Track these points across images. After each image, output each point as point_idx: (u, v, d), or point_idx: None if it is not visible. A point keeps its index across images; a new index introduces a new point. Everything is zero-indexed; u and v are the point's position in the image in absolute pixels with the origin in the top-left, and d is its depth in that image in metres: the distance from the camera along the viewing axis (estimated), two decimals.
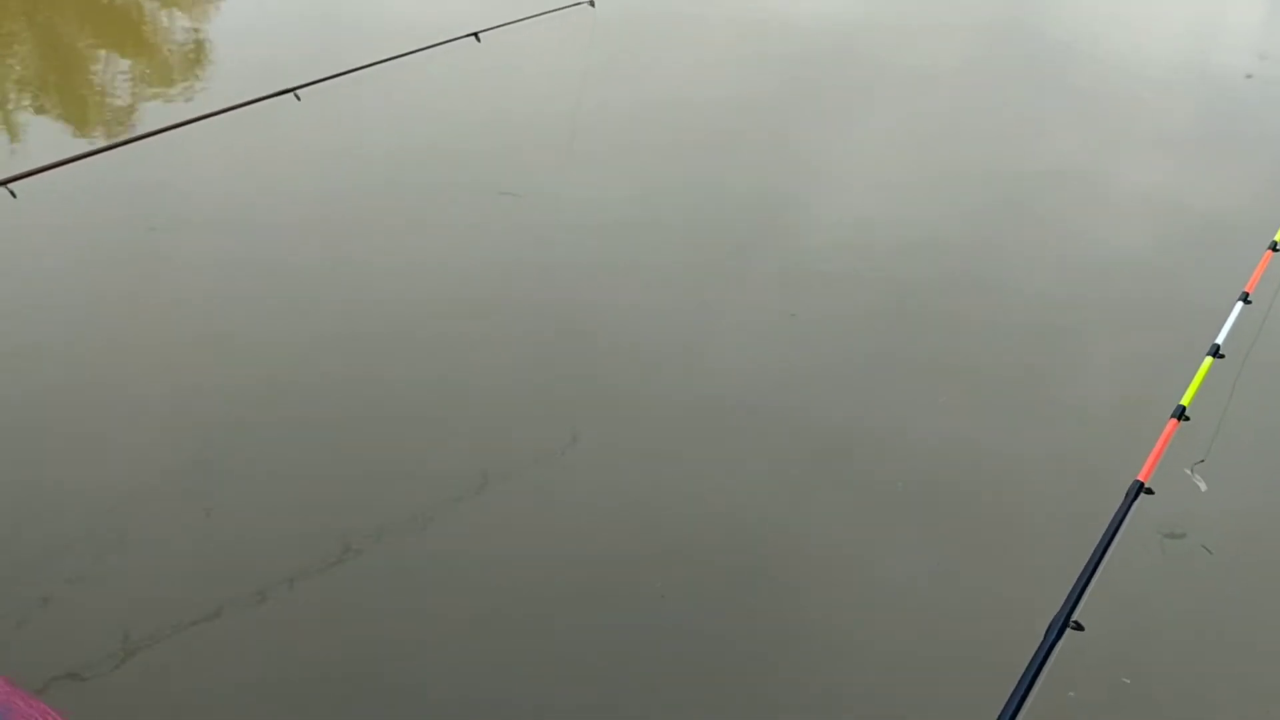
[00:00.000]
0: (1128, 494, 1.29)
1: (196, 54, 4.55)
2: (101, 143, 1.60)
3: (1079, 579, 1.14)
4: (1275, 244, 2.00)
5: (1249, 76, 5.30)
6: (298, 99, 1.80)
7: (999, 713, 0.99)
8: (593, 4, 2.47)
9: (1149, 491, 1.30)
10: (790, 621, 1.94)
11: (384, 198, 3.28)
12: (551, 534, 2.08)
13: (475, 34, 2.16)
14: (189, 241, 2.94)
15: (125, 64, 4.53)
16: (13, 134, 3.73)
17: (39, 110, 3.96)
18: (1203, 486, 1.97)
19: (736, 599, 1.98)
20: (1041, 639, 1.06)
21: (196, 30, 4.87)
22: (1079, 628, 1.09)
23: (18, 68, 4.25)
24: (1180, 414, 1.46)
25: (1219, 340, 1.63)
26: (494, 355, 2.61)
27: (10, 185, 1.44)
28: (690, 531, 2.12)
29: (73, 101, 4.11)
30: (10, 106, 3.98)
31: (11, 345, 2.40)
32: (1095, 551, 1.19)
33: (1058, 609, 1.09)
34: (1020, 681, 1.01)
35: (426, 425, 2.37)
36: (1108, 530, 1.22)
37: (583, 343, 2.73)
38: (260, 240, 2.98)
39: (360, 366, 2.53)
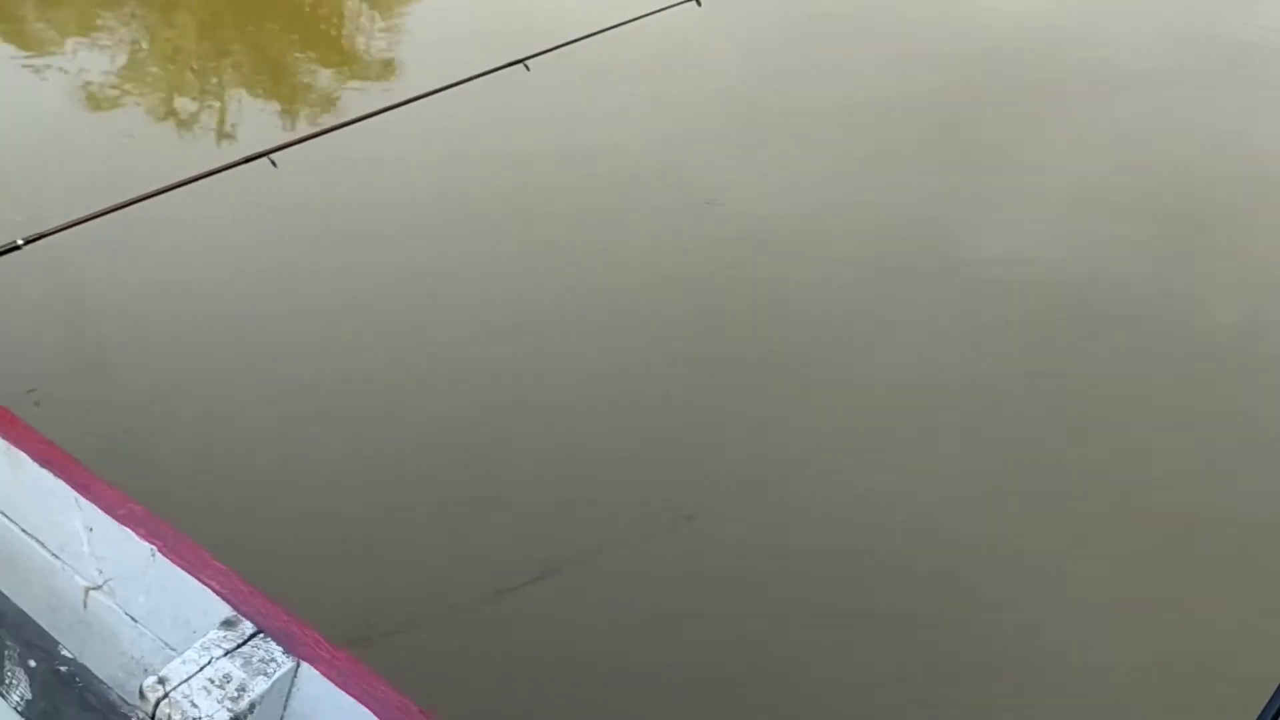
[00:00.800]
0: None
1: (426, 31, 4.82)
2: (350, 116, 1.69)
3: None
4: None
5: None
6: (527, 69, 1.87)
7: None
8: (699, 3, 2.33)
9: None
10: None
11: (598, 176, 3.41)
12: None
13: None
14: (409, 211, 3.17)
15: (362, 37, 4.87)
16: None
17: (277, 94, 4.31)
18: None
19: None
20: None
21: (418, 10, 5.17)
22: None
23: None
24: None
25: None
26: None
27: (272, 155, 1.56)
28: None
29: (309, 82, 4.44)
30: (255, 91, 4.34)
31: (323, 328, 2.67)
32: None
33: None
34: None
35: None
36: None
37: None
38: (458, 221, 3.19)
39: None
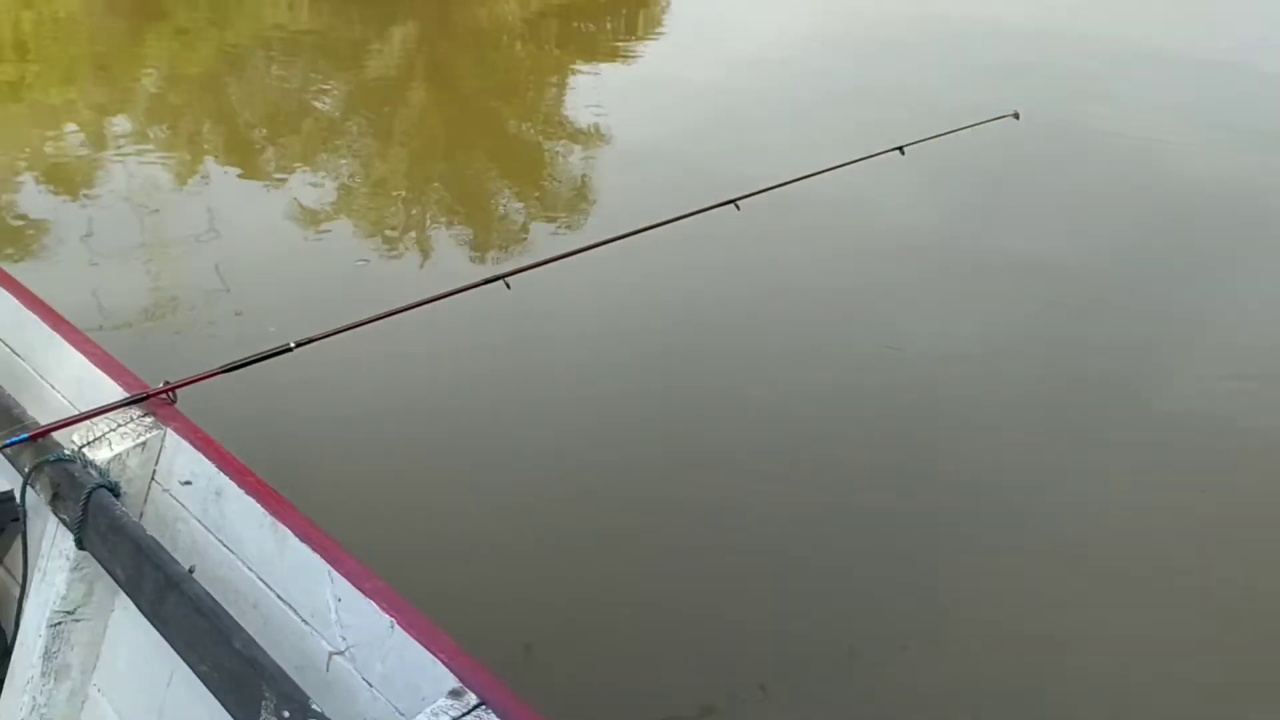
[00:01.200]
0: None
1: (635, 169, 5.10)
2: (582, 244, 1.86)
3: None
4: None
5: None
6: (737, 209, 2.01)
7: None
8: (1017, 116, 2.49)
9: None
10: None
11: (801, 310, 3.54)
12: None
13: (900, 148, 2.30)
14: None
15: (568, 178, 5.18)
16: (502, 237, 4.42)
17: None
18: None
19: None
20: None
21: (631, 146, 5.46)
22: None
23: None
24: None
25: None
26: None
27: (507, 279, 1.73)
28: None
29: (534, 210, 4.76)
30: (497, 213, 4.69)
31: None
32: None
33: None
34: None
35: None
36: None
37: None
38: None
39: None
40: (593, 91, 6.67)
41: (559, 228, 4.71)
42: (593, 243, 1.86)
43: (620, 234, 1.92)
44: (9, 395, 1.53)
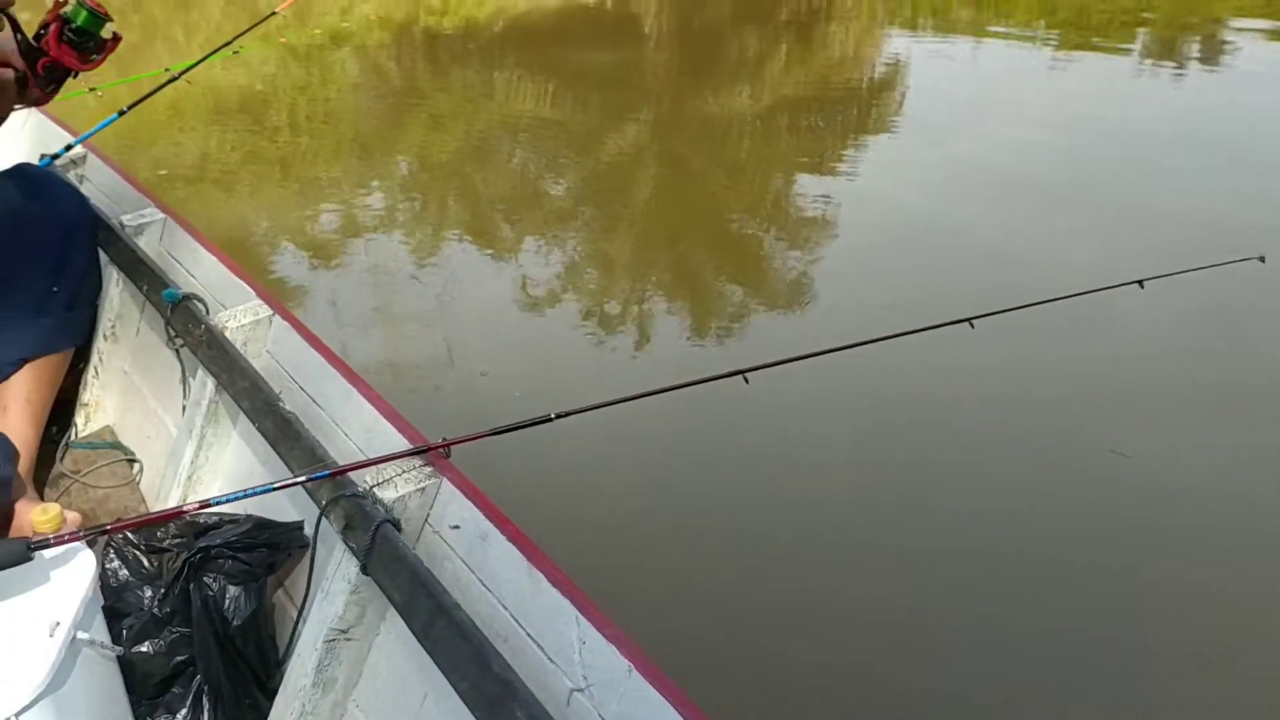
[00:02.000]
0: None
1: (863, 270, 5.20)
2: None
3: None
4: None
5: None
6: (971, 327, 2.09)
7: None
8: (1263, 259, 2.46)
9: None
10: None
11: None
12: None
13: (1139, 281, 2.32)
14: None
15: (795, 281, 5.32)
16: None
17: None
18: None
19: None
20: None
21: (859, 245, 5.57)
22: None
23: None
24: None
25: None
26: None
27: (746, 374, 1.87)
28: None
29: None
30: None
31: None
32: None
33: None
34: None
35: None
36: None
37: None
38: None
39: None
40: (821, 186, 6.83)
41: (785, 323, 4.86)
42: (828, 348, 1.98)
43: (854, 342, 2.02)
44: (313, 437, 1.76)
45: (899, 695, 2.67)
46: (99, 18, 1.97)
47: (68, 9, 1.95)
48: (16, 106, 2.11)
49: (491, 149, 8.09)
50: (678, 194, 7.07)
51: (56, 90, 2.04)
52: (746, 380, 1.87)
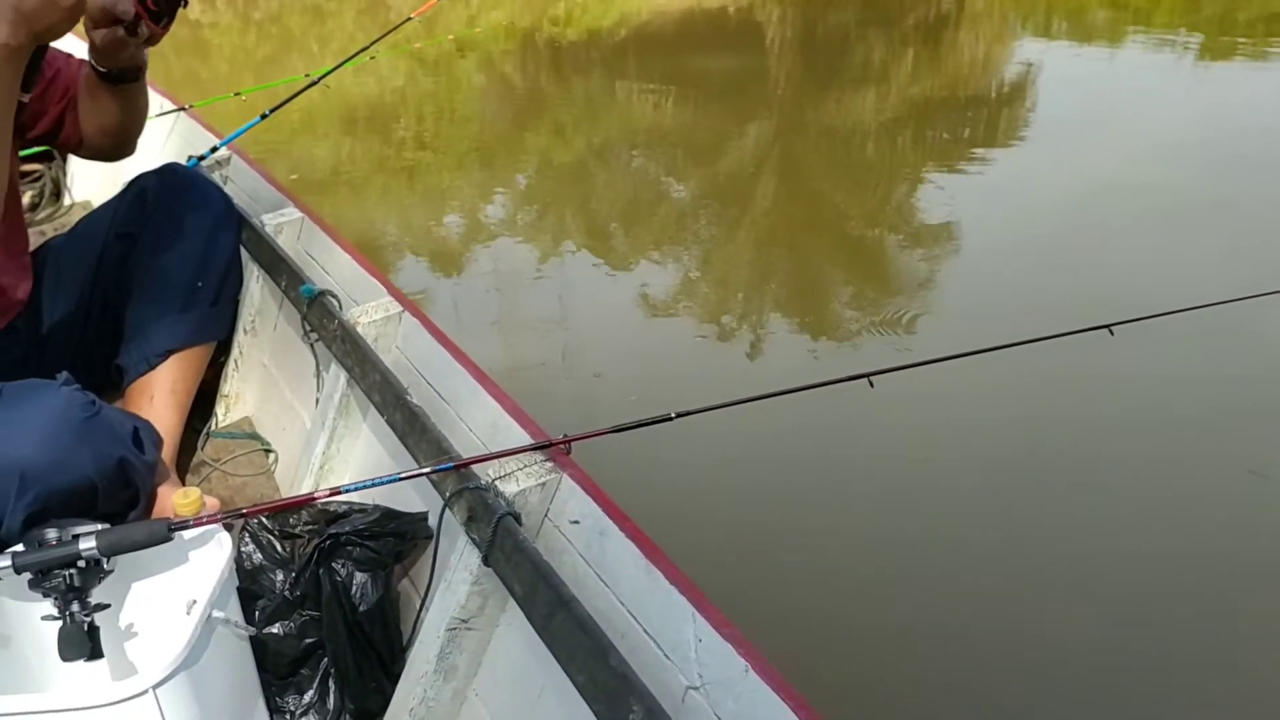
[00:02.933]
0: None
1: (990, 275, 5.07)
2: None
3: None
4: None
5: None
6: (1111, 334, 2.02)
7: None
8: None
9: None
10: None
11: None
12: None
13: None
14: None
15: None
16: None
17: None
18: None
19: None
20: None
21: (986, 251, 5.42)
22: None
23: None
24: None
25: None
26: None
27: (871, 378, 1.84)
28: None
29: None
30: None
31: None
32: None
33: None
34: None
35: None
36: None
37: None
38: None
39: None
40: (946, 194, 6.68)
41: (908, 329, 4.77)
42: (957, 353, 1.94)
43: (984, 348, 1.98)
44: (439, 430, 1.80)
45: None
46: None
47: None
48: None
49: (611, 156, 8.17)
50: (798, 202, 7.02)
51: (170, 23, 1.99)
52: (872, 384, 1.85)
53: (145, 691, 1.37)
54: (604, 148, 8.35)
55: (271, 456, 2.62)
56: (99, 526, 1.51)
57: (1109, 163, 6.83)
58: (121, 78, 2.18)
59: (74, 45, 2.28)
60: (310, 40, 12.17)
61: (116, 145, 2.36)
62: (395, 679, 1.81)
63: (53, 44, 2.18)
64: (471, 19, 12.70)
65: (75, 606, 1.49)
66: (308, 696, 1.76)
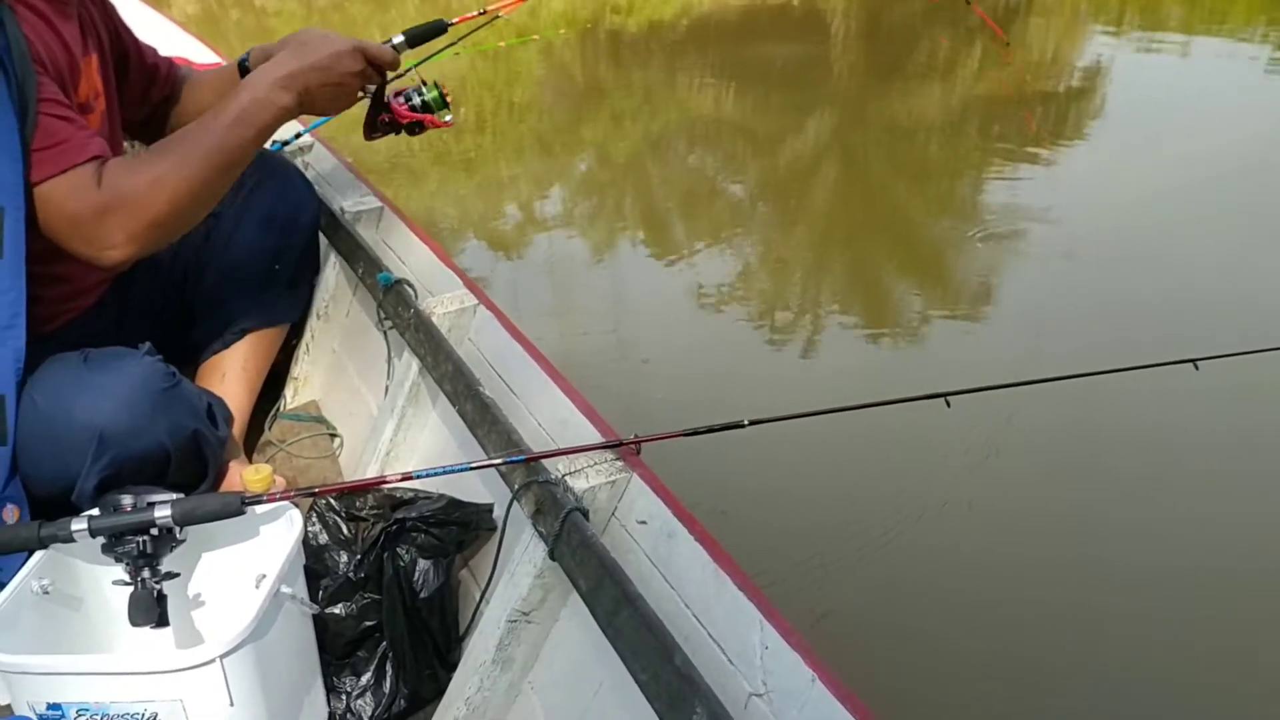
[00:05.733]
0: None
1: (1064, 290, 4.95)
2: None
3: None
4: None
5: None
6: (1196, 368, 1.97)
7: None
8: None
9: None
10: None
11: None
12: None
13: None
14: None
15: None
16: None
17: None
18: None
19: None
20: None
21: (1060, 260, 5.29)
22: None
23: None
24: None
25: None
26: None
27: (948, 397, 1.82)
28: None
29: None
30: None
31: None
32: None
33: None
34: None
35: None
36: None
37: None
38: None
39: None
40: (1013, 197, 6.52)
41: (970, 340, 4.69)
42: (1037, 378, 1.91)
43: (1065, 374, 1.94)
44: (510, 423, 1.81)
45: None
46: (444, 102, 2.18)
47: (425, 87, 2.16)
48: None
49: (669, 148, 8.14)
50: (858, 198, 6.93)
51: (380, 137, 2.24)
52: (949, 404, 1.82)
53: (213, 660, 1.39)
54: (662, 138, 8.32)
55: (336, 440, 2.64)
56: (174, 495, 1.53)
57: (1186, 163, 6.60)
58: None
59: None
60: (373, 29, 12.27)
61: None
62: (449, 667, 1.81)
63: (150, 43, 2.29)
64: (532, 10, 12.73)
65: (146, 573, 1.52)
66: (364, 678, 1.77)
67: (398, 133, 2.22)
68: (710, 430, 1.71)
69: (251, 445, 2.60)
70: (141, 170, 1.75)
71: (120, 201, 1.71)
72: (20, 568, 1.59)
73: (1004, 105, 8.76)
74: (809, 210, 6.66)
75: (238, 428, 2.42)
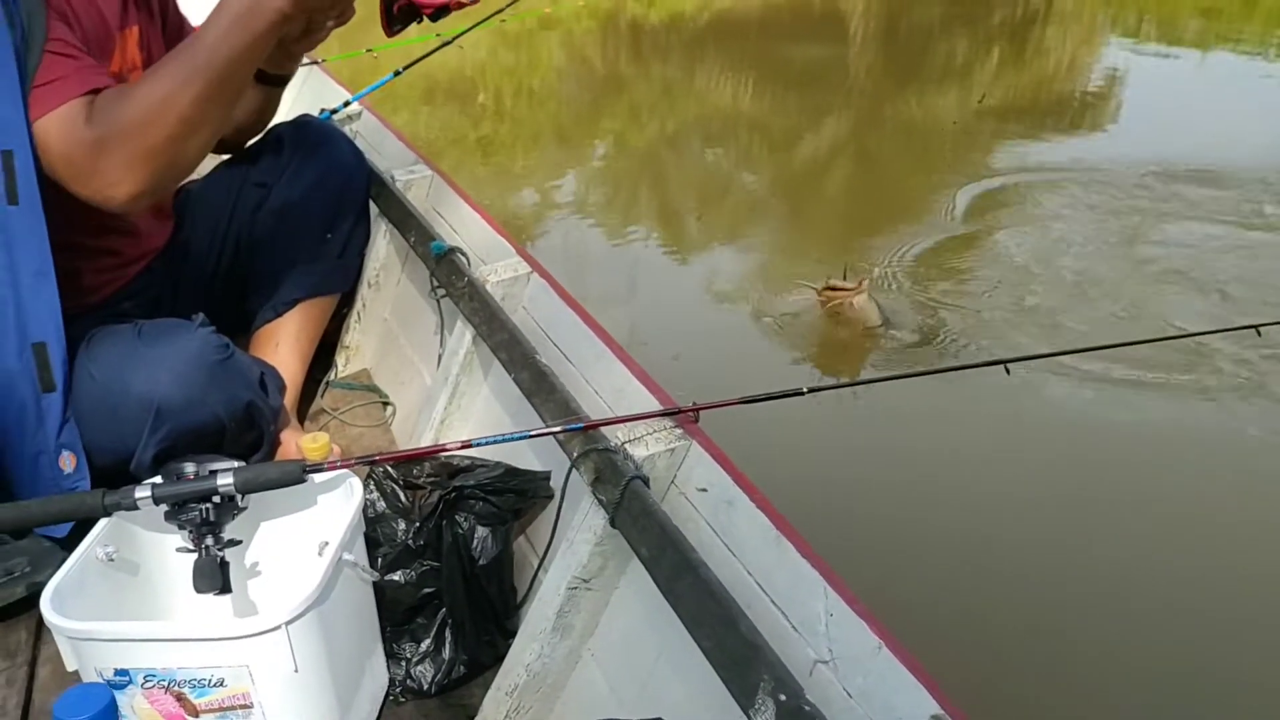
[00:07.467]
0: None
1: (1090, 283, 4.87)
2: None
3: None
4: None
5: None
6: (1258, 334, 1.93)
7: None
8: None
9: None
10: None
11: None
12: None
13: None
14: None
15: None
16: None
17: None
18: None
19: None
20: None
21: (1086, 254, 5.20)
22: None
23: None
24: None
25: None
26: None
27: (1008, 364, 1.80)
28: None
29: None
30: None
31: None
32: None
33: None
34: None
35: None
36: None
37: None
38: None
39: None
40: (1030, 199, 6.42)
41: (997, 328, 4.62)
42: (1096, 345, 1.88)
43: (1125, 341, 1.91)
44: (567, 391, 1.80)
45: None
46: None
47: None
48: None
49: (686, 141, 8.13)
50: (872, 197, 6.88)
51: (402, 30, 2.03)
52: (1008, 371, 1.80)
53: (278, 627, 1.40)
54: (679, 132, 8.31)
55: (389, 409, 2.65)
56: (235, 464, 1.54)
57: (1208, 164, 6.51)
58: (280, 81, 2.30)
59: None
60: None
61: (238, 141, 2.44)
62: (508, 634, 1.82)
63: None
64: None
65: (209, 540, 1.53)
66: (424, 645, 1.78)
67: (419, 20, 2.01)
68: (769, 398, 1.69)
69: (304, 414, 2.62)
70: (132, 96, 1.62)
71: (112, 132, 1.59)
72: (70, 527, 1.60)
73: (1019, 112, 8.62)
74: (824, 208, 6.61)
75: (290, 397, 2.44)
